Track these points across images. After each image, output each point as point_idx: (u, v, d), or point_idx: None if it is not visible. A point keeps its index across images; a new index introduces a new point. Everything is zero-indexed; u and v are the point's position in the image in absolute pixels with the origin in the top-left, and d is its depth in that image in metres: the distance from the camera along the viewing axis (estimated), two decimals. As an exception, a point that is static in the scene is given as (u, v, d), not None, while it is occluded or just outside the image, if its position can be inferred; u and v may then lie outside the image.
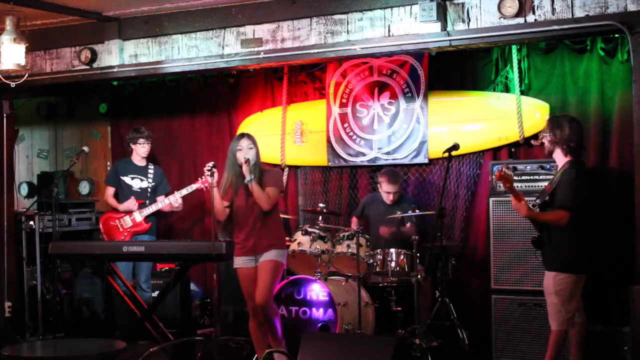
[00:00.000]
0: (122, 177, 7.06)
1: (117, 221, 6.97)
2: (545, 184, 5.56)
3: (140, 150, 7.07)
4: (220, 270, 6.36)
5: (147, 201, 6.99)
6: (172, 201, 6.83)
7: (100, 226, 7.07)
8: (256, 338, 5.50)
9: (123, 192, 7.04)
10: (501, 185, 5.09)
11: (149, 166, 7.13)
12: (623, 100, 5.89)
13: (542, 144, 5.20)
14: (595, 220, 5.93)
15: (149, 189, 7.05)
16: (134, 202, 6.94)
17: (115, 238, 6.90)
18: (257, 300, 5.34)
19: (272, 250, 5.38)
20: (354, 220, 6.69)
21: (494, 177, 5.99)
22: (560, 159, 5.09)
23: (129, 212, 6.93)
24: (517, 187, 5.61)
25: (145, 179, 7.05)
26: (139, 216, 6.91)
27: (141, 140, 7.05)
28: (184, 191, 6.81)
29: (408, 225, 6.24)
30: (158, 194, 7.04)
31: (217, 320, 5.91)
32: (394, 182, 6.41)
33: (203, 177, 6.66)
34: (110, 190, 7.11)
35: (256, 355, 5.65)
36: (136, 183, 7.01)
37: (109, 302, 6.83)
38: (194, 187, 6.74)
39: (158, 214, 7.07)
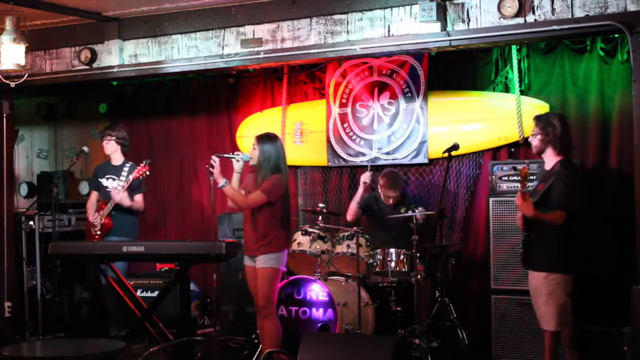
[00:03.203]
0: (99, 180, 6.94)
1: (90, 226, 6.88)
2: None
3: (104, 149, 6.96)
4: (220, 270, 6.37)
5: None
6: (113, 195, 6.67)
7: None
8: (261, 335, 5.53)
9: (102, 194, 6.92)
10: (506, 185, 4.98)
11: (125, 165, 6.91)
12: (623, 100, 5.88)
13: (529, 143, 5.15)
14: (595, 220, 5.94)
15: (119, 188, 6.79)
16: (96, 217, 6.77)
17: (91, 240, 6.79)
18: (259, 303, 5.42)
19: (263, 255, 5.36)
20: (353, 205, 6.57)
21: (491, 175, 6.00)
22: (550, 158, 5.03)
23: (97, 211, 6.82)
24: (515, 187, 5.62)
25: (117, 179, 6.85)
26: (102, 216, 6.76)
27: (103, 139, 6.94)
28: (126, 183, 6.69)
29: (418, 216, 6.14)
30: (135, 194, 6.81)
31: (217, 320, 5.92)
32: (394, 187, 6.36)
33: (141, 163, 6.62)
34: (93, 196, 6.98)
35: (256, 355, 5.66)
36: (110, 183, 6.86)
37: (109, 302, 6.83)
38: (130, 177, 6.62)
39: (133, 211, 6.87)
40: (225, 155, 5.51)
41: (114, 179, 6.85)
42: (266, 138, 5.51)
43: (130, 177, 6.64)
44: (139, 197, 6.83)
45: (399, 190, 6.39)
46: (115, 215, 6.74)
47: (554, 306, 4.92)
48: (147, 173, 6.63)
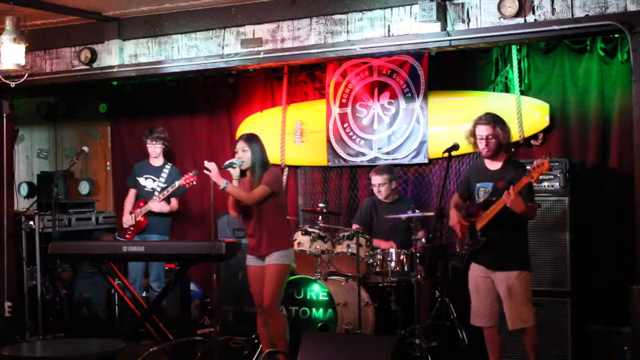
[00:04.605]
0: (138, 178, 7.06)
1: (123, 221, 7.00)
2: (546, 184, 5.61)
3: (149, 151, 7.08)
4: (220, 270, 6.37)
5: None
6: (151, 205, 6.82)
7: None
8: (262, 334, 5.51)
9: (139, 193, 7.04)
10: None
11: (165, 166, 7.06)
12: (623, 100, 5.88)
13: (475, 142, 5.14)
14: (595, 221, 5.94)
15: (158, 189, 6.96)
16: (128, 218, 6.92)
17: (123, 237, 6.94)
18: (264, 302, 5.35)
19: (275, 252, 5.34)
20: (355, 227, 6.62)
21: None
22: (500, 157, 5.11)
23: (131, 212, 6.93)
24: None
25: (157, 179, 6.99)
26: (138, 215, 6.89)
27: (148, 141, 7.06)
28: (166, 192, 6.80)
29: (420, 234, 6.17)
30: (173, 197, 6.93)
31: (217, 320, 5.92)
32: (380, 173, 6.37)
33: (187, 174, 6.66)
34: (131, 192, 7.10)
35: (256, 355, 5.66)
36: (149, 183, 6.98)
37: (109, 302, 6.84)
38: (176, 184, 6.71)
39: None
40: (222, 167, 5.45)
41: (153, 180, 6.96)
42: (253, 138, 5.50)
43: (177, 184, 6.73)
44: (174, 200, 6.95)
45: (385, 177, 6.33)
46: (150, 214, 6.86)
47: (529, 302, 5.05)
48: (194, 183, 6.68)
